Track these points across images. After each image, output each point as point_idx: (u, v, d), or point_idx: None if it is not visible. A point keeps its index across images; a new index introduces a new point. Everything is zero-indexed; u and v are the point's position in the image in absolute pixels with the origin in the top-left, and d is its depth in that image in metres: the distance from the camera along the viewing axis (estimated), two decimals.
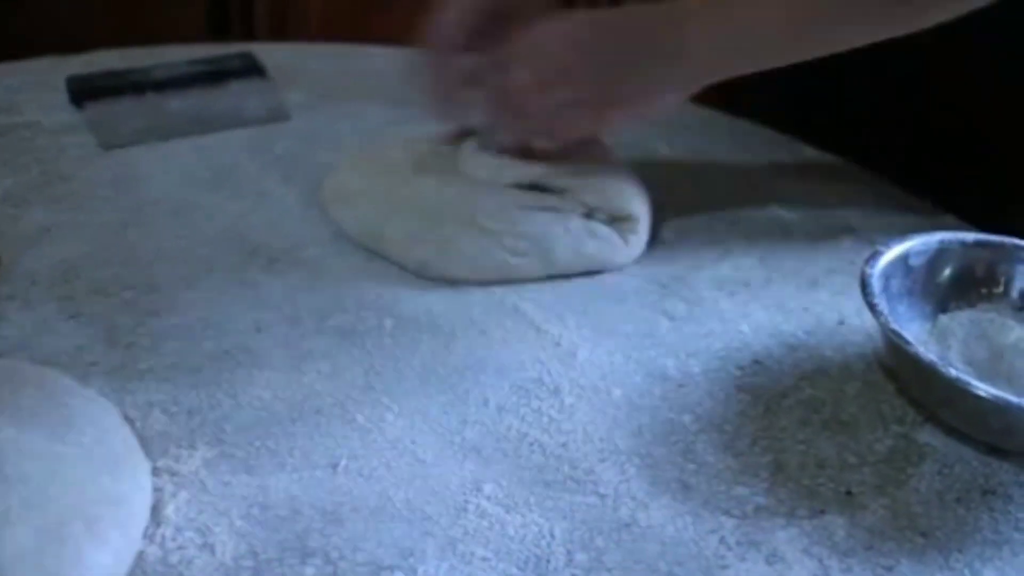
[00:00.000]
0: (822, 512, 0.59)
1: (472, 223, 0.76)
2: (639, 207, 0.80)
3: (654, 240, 0.83)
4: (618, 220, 0.79)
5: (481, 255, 0.76)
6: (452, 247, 0.76)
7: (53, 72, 1.00)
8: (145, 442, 0.60)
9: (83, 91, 0.96)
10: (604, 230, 0.78)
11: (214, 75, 1.01)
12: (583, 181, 0.79)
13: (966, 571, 0.57)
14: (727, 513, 0.59)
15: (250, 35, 1.76)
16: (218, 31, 1.76)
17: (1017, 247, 0.73)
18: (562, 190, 0.78)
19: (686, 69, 0.73)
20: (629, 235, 0.79)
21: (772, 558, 0.56)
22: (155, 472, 0.58)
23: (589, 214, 0.78)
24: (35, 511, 0.51)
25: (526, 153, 0.79)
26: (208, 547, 0.54)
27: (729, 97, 1.00)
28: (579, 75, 0.74)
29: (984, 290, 0.72)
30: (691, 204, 0.88)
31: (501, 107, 0.77)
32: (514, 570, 0.54)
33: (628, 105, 0.76)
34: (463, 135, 0.82)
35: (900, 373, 0.69)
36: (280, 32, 1.75)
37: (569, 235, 0.77)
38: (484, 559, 0.55)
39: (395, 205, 0.79)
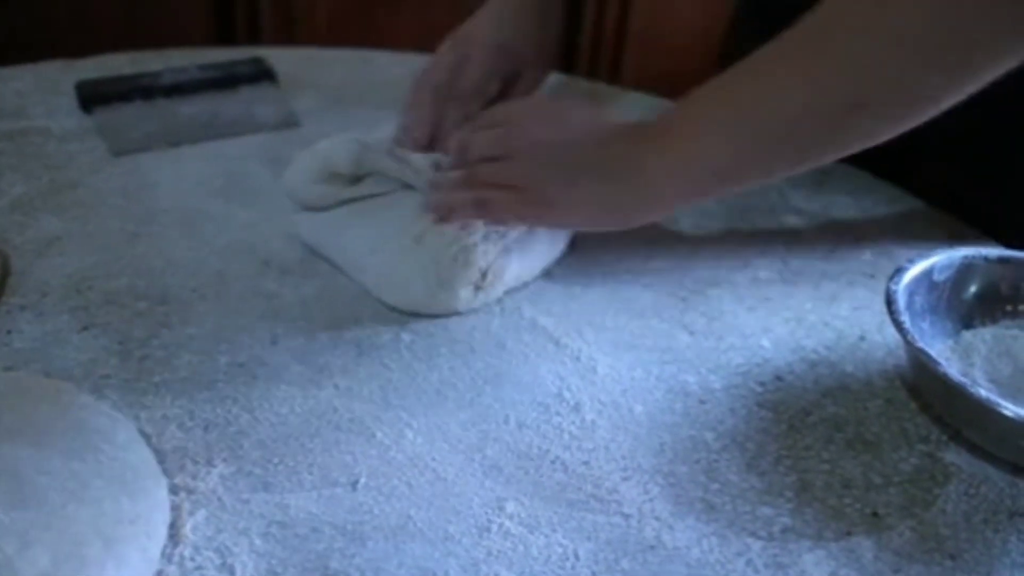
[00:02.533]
0: (848, 534, 0.59)
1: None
2: None
3: (672, 253, 0.82)
4: None
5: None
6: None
7: (62, 76, 0.99)
8: (161, 458, 0.59)
9: (92, 96, 0.95)
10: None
11: (224, 80, 1.00)
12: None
13: None
14: (753, 535, 0.58)
15: (256, 39, 1.75)
16: (224, 35, 1.75)
17: None
18: None
19: (640, 199, 0.71)
20: None
21: None
22: (172, 489, 0.57)
23: None
24: (53, 532, 0.50)
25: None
26: (228, 567, 0.53)
27: None
28: (529, 167, 0.72)
29: (1008, 307, 0.72)
30: (708, 216, 0.87)
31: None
32: None
33: (561, 214, 0.73)
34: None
35: (925, 391, 0.68)
36: (287, 36, 1.74)
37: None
38: None
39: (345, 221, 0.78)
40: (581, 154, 0.71)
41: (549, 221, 0.75)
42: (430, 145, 0.80)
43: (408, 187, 0.77)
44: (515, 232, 0.75)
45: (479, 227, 0.73)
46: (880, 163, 0.93)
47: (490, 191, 0.72)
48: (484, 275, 0.73)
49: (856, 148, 0.68)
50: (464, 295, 0.73)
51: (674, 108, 0.71)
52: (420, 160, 0.77)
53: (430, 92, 0.82)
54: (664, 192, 0.70)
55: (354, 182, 0.78)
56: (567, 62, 2.08)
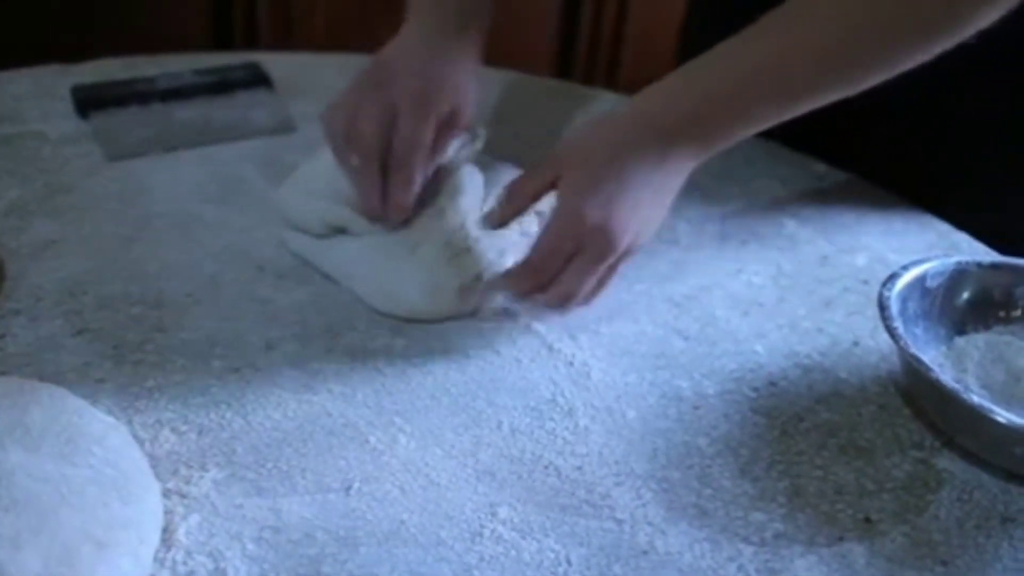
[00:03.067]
0: (841, 539, 0.59)
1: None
2: None
3: (666, 258, 0.82)
4: None
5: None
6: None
7: (58, 81, 0.99)
8: (155, 462, 0.59)
9: (88, 100, 0.95)
10: None
11: (220, 85, 1.00)
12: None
13: None
14: (745, 540, 0.58)
15: (254, 43, 1.75)
16: (222, 39, 1.75)
17: None
18: None
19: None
20: None
21: None
22: (165, 494, 0.57)
23: None
24: (45, 536, 0.50)
25: None
26: (220, 572, 0.53)
27: None
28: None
29: (1001, 313, 0.72)
30: (703, 222, 0.87)
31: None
32: None
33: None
34: None
35: (919, 398, 0.68)
36: (285, 40, 1.74)
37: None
38: None
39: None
40: (656, 208, 0.70)
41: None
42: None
43: None
44: (510, 236, 0.75)
45: (475, 233, 0.74)
46: (875, 169, 0.94)
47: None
48: (479, 279, 0.73)
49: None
50: (460, 300, 0.73)
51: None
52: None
53: (370, 160, 0.75)
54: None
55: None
56: (564, 66, 2.08)
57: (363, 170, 0.75)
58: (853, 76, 0.67)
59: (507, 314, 0.74)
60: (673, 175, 0.70)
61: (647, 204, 0.69)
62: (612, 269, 0.71)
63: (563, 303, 0.71)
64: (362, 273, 0.74)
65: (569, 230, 0.68)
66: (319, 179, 0.79)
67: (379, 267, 0.74)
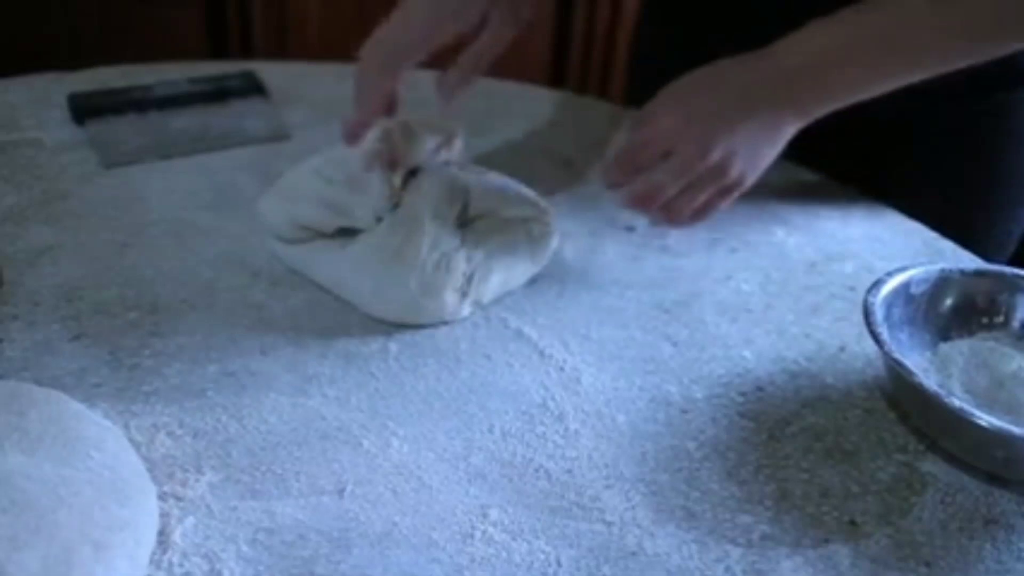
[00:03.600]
0: (826, 541, 0.60)
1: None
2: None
3: (656, 265, 0.83)
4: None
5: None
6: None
7: (54, 89, 1.00)
8: (151, 465, 0.60)
9: (85, 108, 0.96)
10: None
11: (215, 94, 1.01)
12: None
13: None
14: (732, 542, 0.59)
15: (248, 52, 1.77)
16: (217, 47, 1.76)
17: (1018, 277, 0.73)
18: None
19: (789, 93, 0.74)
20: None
21: None
22: (161, 496, 0.58)
23: None
24: (42, 537, 0.51)
25: None
26: (215, 573, 0.54)
27: None
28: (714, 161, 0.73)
29: (985, 319, 0.73)
30: (693, 229, 0.88)
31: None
32: None
33: (755, 157, 0.75)
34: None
35: (902, 402, 0.69)
36: (279, 50, 1.75)
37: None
38: None
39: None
40: (757, 142, 0.74)
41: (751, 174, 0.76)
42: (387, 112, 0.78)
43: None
44: (497, 238, 0.76)
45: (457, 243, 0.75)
46: (862, 176, 0.95)
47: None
48: (469, 280, 0.74)
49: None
50: (450, 302, 0.74)
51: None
52: (378, 186, 0.76)
53: (378, 58, 0.77)
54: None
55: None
56: (557, 75, 2.10)
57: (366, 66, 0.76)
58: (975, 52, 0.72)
59: (500, 321, 0.75)
60: (778, 120, 0.74)
61: (746, 133, 0.73)
62: (720, 195, 0.75)
63: (648, 203, 0.74)
64: (351, 279, 0.75)
65: (664, 130, 0.73)
66: (298, 186, 0.79)
67: (367, 272, 0.74)
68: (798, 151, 0.88)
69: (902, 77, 0.73)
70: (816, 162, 0.97)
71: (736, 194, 0.76)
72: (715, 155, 0.73)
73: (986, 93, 0.90)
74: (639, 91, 0.81)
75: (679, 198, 0.75)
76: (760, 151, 0.74)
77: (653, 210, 0.75)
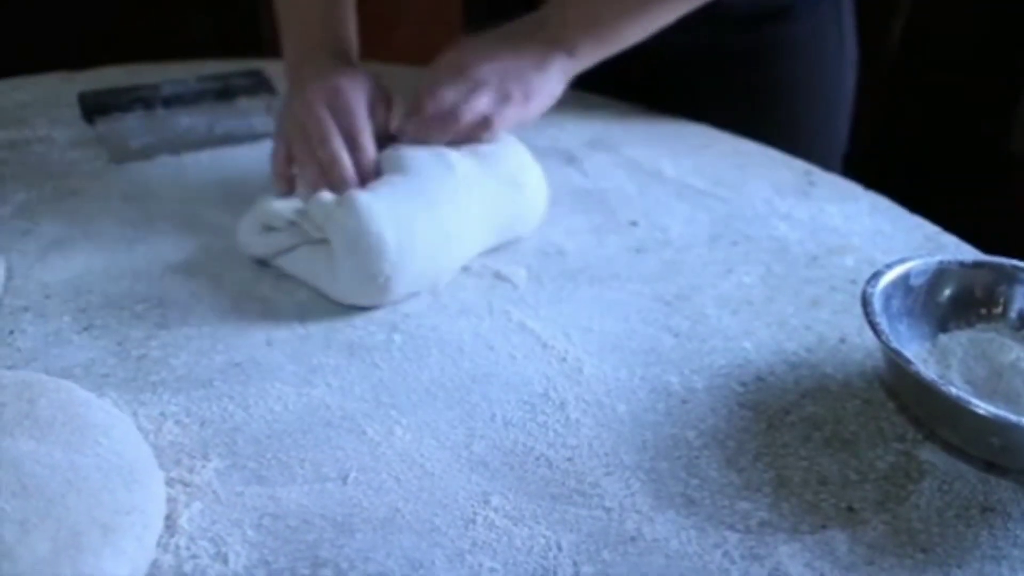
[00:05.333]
0: (824, 527, 0.60)
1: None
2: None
3: (658, 258, 0.84)
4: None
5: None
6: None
7: (63, 87, 1.01)
8: (158, 452, 0.61)
9: (95, 106, 0.97)
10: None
11: (223, 92, 1.03)
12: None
13: None
14: (731, 527, 0.60)
15: (257, 51, 1.78)
16: (225, 47, 1.77)
17: (1016, 268, 0.74)
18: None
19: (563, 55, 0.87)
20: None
21: (775, 572, 0.57)
22: (169, 482, 0.59)
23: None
24: (52, 521, 0.52)
25: None
26: (221, 556, 0.55)
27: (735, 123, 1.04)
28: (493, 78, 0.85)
29: (983, 310, 0.73)
30: (694, 222, 0.89)
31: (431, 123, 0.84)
32: None
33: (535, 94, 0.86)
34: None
35: (901, 391, 0.70)
36: None
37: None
38: (492, 570, 0.56)
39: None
40: (521, 65, 0.86)
41: (524, 116, 0.87)
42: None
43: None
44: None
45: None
46: (865, 170, 0.96)
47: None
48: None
49: None
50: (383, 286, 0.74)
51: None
52: (326, 198, 0.77)
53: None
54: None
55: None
56: None
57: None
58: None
59: (503, 312, 0.76)
60: (543, 53, 0.86)
61: (510, 60, 0.86)
62: (500, 105, 0.84)
63: (437, 117, 0.83)
64: (319, 270, 0.76)
65: (445, 61, 0.86)
66: (266, 214, 0.78)
67: (327, 261, 0.75)
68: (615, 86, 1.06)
69: (652, 21, 0.89)
70: (635, 94, 1.09)
71: (516, 107, 0.85)
72: (482, 73, 0.84)
73: (749, 28, 1.06)
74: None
75: (461, 106, 0.83)
76: (526, 74, 0.85)
77: (438, 121, 0.83)
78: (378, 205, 0.74)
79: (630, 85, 1.09)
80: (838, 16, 1.10)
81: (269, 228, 0.78)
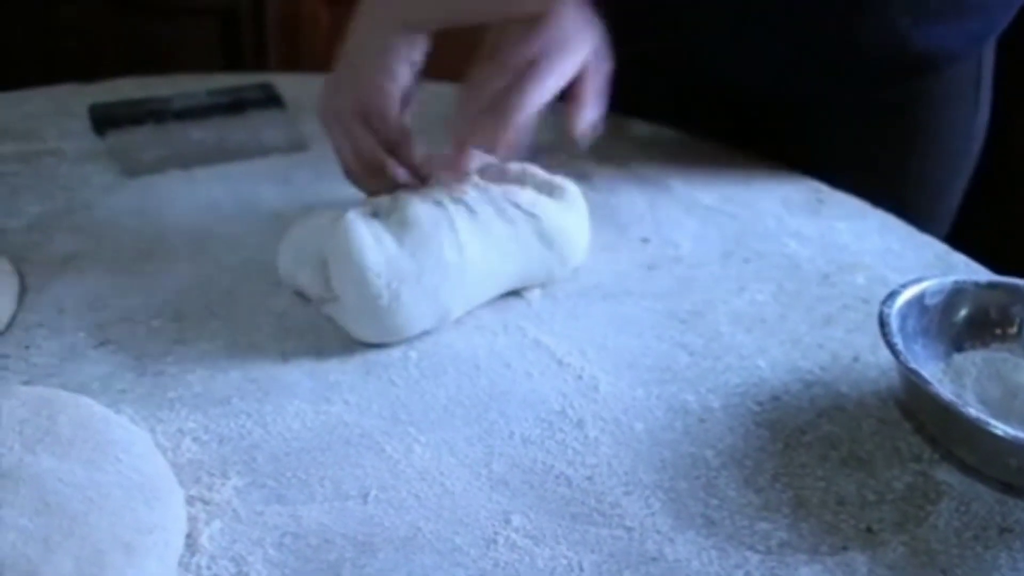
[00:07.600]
0: (844, 549, 0.60)
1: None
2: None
3: (671, 276, 0.84)
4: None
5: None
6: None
7: (73, 99, 1.01)
8: (177, 470, 0.61)
9: (105, 119, 0.97)
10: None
11: (233, 105, 1.03)
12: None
13: None
14: (751, 548, 0.60)
15: (263, 65, 1.78)
16: (231, 61, 1.78)
17: None
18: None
19: None
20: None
21: None
22: (188, 501, 0.59)
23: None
24: (75, 540, 0.52)
25: None
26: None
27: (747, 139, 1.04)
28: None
29: (998, 331, 0.74)
30: (705, 238, 0.89)
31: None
32: None
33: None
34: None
35: (917, 411, 0.70)
36: (293, 61, 1.77)
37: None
38: None
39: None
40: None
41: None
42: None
43: None
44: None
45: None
46: (872, 188, 0.96)
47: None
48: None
49: None
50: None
51: None
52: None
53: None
54: None
55: None
56: None
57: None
58: None
59: (518, 330, 0.76)
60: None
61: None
62: None
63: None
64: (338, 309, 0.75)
65: None
66: (307, 242, 0.77)
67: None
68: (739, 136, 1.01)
69: None
70: (760, 146, 1.04)
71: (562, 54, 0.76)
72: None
73: (892, 81, 0.99)
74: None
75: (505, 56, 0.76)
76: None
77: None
78: (370, 226, 0.73)
79: (738, 128, 1.05)
80: (977, 76, 1.05)
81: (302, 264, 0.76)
